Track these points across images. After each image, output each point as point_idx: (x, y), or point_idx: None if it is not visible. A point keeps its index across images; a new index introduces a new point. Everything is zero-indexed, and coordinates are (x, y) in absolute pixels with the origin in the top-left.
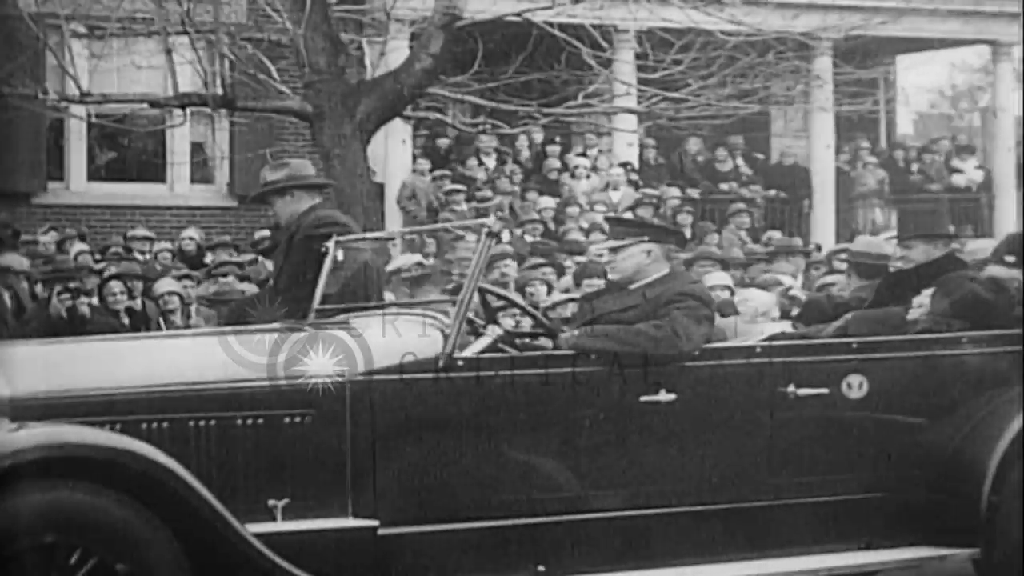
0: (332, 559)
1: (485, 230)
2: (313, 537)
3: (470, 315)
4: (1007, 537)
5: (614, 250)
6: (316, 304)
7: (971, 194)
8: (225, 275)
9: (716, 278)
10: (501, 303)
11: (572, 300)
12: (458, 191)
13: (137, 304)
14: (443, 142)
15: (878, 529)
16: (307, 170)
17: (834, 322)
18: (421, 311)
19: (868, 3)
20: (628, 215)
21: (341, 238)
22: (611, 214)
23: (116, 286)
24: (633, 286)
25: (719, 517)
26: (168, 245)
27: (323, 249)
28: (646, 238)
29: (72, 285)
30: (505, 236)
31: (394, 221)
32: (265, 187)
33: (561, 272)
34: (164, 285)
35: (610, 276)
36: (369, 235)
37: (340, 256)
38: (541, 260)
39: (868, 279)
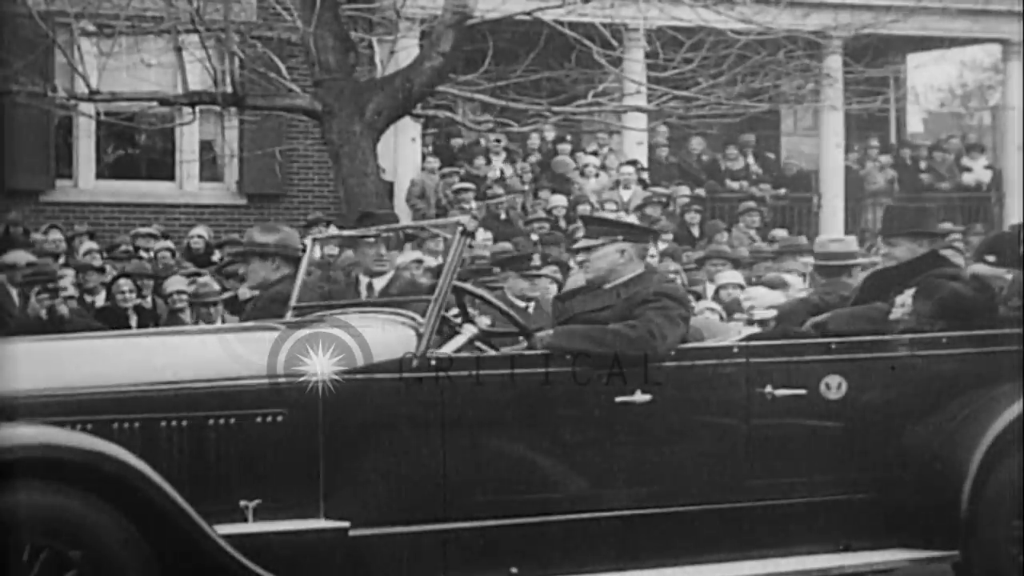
0: (303, 560)
1: (460, 229)
2: (284, 538)
3: (446, 314)
4: (987, 539)
5: (588, 250)
6: (293, 303)
7: (981, 192)
8: (235, 273)
9: (727, 276)
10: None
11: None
12: (467, 189)
13: (147, 303)
14: (457, 142)
15: (857, 531)
16: (294, 242)
17: (813, 318)
18: (396, 310)
19: (879, 2)
20: (604, 214)
21: (319, 236)
22: (586, 213)
23: (125, 284)
24: (608, 285)
25: (695, 519)
26: (170, 244)
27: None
28: (620, 237)
29: (51, 285)
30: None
31: (403, 219)
32: (251, 247)
33: (567, 270)
34: (174, 284)
35: (585, 276)
36: (345, 232)
37: (318, 254)
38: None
39: (831, 278)
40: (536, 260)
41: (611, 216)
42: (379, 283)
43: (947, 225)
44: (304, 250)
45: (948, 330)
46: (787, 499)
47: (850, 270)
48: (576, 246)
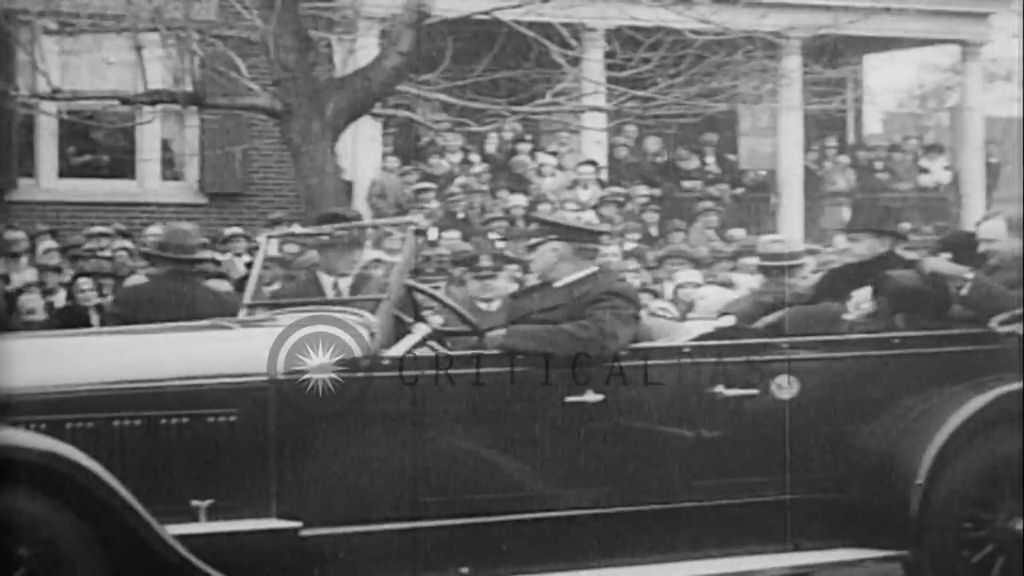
0: (255, 560)
1: (412, 228)
2: (236, 538)
3: (399, 313)
4: (937, 539)
5: (530, 248)
6: (247, 300)
7: (939, 193)
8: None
9: (686, 276)
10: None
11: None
12: (427, 189)
13: (108, 301)
14: (422, 141)
15: (808, 530)
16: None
17: (766, 317)
18: (349, 310)
19: (837, 2)
20: (547, 215)
21: (273, 234)
22: (533, 213)
23: (85, 283)
24: (558, 284)
25: (647, 518)
26: (128, 243)
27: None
28: (553, 236)
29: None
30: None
31: (364, 219)
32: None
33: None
34: (132, 282)
35: (533, 274)
36: (298, 231)
37: (274, 251)
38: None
39: (774, 278)
40: (486, 261)
41: (547, 216)
42: (344, 283)
43: (907, 225)
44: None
45: (903, 323)
46: (738, 499)
47: (794, 270)
48: (521, 245)
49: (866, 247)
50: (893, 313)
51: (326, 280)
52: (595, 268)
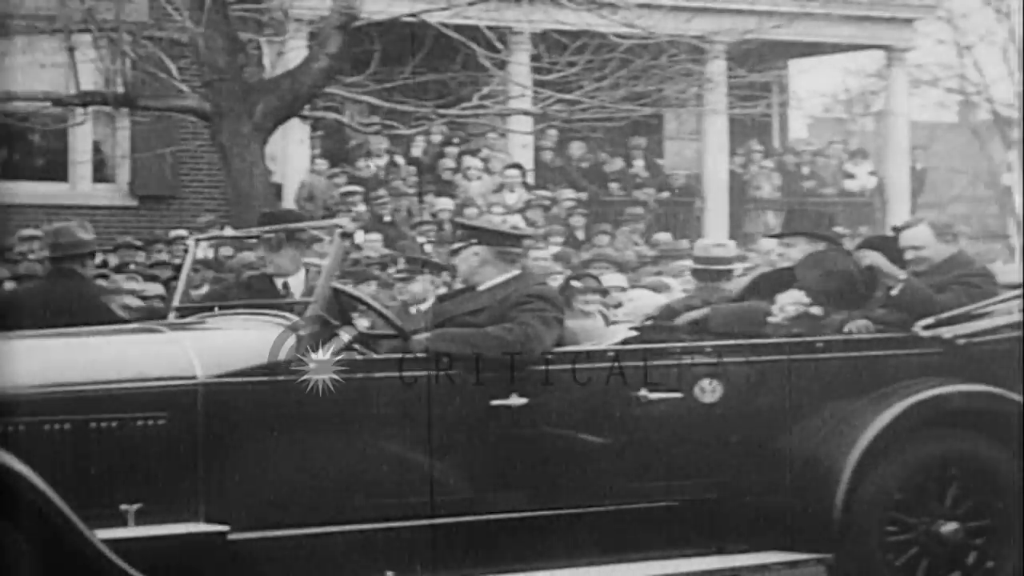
0: (183, 564)
1: (339, 231)
2: (163, 542)
3: (325, 316)
4: (861, 543)
5: (453, 253)
6: (176, 303)
7: (864, 198)
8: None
9: (611, 280)
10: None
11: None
12: (354, 192)
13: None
14: (350, 144)
15: (731, 534)
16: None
17: (690, 312)
18: (277, 313)
19: (761, 7)
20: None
21: (201, 236)
22: (457, 218)
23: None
24: (481, 288)
25: (570, 522)
26: None
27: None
28: (476, 241)
29: None
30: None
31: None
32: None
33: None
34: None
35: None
36: (227, 234)
37: (201, 254)
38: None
39: (708, 283)
40: (401, 264)
41: (470, 221)
42: (293, 282)
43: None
44: (186, 251)
45: (828, 306)
46: (661, 502)
47: (729, 275)
48: (446, 250)
49: (800, 251)
50: (823, 291)
51: (279, 281)
52: (517, 271)
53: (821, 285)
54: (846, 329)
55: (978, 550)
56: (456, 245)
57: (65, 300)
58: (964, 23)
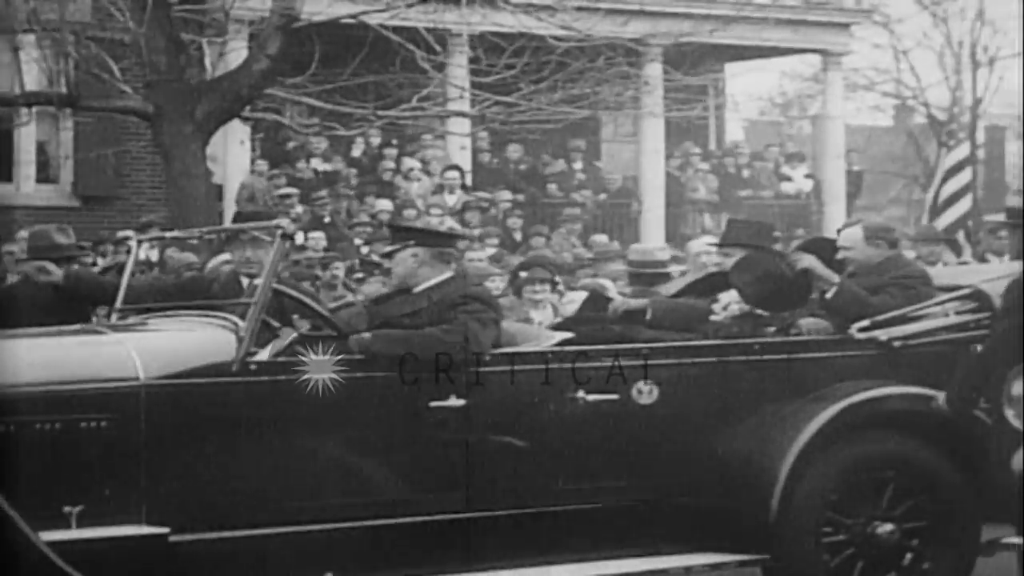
0: (124, 567)
1: (279, 232)
2: (105, 545)
3: (266, 317)
4: (797, 544)
5: (390, 255)
6: (118, 304)
7: (801, 201)
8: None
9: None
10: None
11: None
12: (290, 195)
13: None
14: (290, 145)
15: (667, 535)
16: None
17: (630, 301)
18: (217, 314)
19: (698, 10)
20: (405, 221)
21: (143, 236)
22: (392, 220)
23: None
24: (417, 289)
25: (507, 523)
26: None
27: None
28: (412, 242)
29: None
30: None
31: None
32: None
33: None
34: None
35: (392, 280)
36: (168, 235)
37: (143, 255)
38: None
39: (645, 286)
40: (338, 266)
41: (405, 222)
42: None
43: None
44: (129, 251)
45: (763, 308)
46: (597, 503)
47: (665, 278)
48: (380, 252)
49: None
50: (757, 293)
51: (245, 280)
52: (452, 272)
53: (754, 289)
54: (796, 328)
55: (914, 551)
56: (391, 248)
57: (41, 302)
58: (900, 28)
